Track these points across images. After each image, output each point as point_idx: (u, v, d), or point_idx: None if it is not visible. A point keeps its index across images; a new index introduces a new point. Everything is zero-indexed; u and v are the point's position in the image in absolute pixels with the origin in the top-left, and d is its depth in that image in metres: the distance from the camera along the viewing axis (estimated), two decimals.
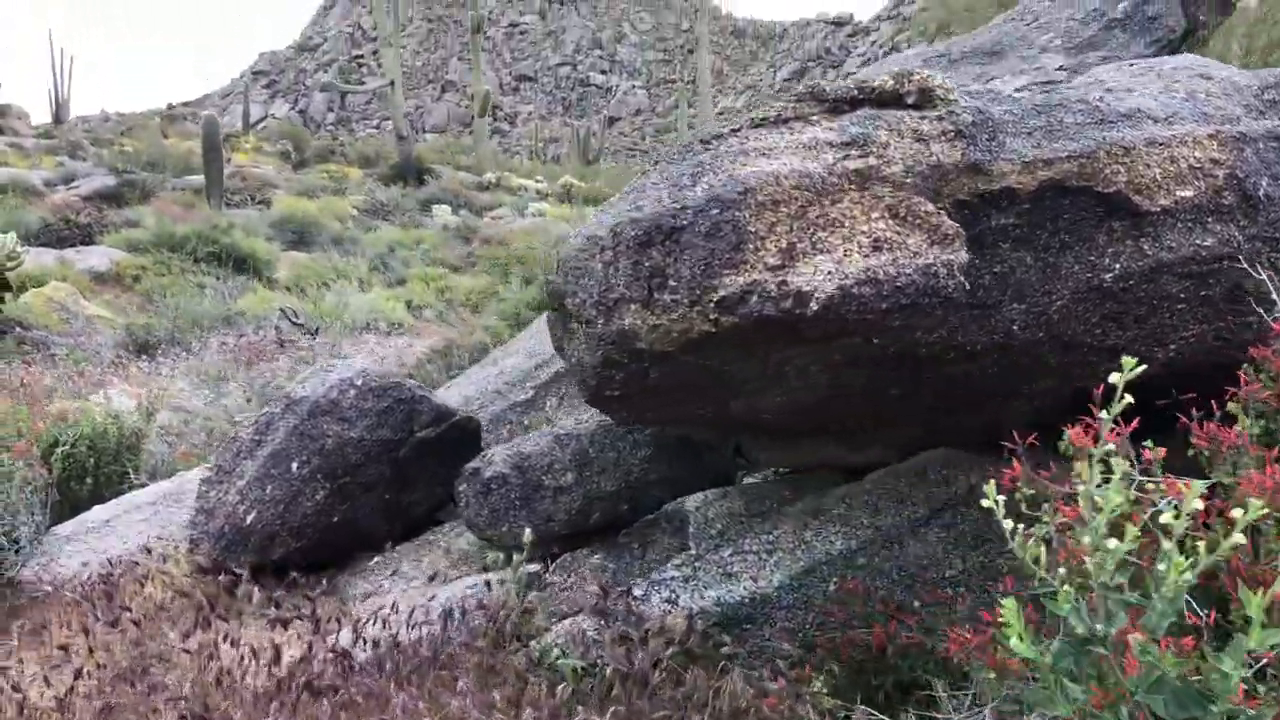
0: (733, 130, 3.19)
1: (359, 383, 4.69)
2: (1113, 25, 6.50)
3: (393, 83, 38.40)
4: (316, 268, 19.85)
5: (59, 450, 5.53)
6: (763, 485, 4.14)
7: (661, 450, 4.46)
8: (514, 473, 4.45)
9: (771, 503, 3.93)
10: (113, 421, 5.91)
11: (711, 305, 2.97)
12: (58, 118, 44.76)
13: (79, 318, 15.49)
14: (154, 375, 10.55)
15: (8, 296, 13.97)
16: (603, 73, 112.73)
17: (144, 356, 11.46)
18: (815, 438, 3.82)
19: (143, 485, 5.82)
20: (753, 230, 2.88)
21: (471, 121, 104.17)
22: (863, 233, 2.80)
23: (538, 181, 40.99)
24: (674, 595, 3.63)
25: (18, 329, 13.66)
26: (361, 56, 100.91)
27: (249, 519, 4.49)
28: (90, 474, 5.70)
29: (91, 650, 3.70)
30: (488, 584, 3.90)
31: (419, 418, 4.80)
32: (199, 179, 33.69)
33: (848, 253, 2.79)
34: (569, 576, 4.21)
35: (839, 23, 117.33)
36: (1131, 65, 4.03)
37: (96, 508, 5.50)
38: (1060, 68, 6.11)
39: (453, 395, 6.04)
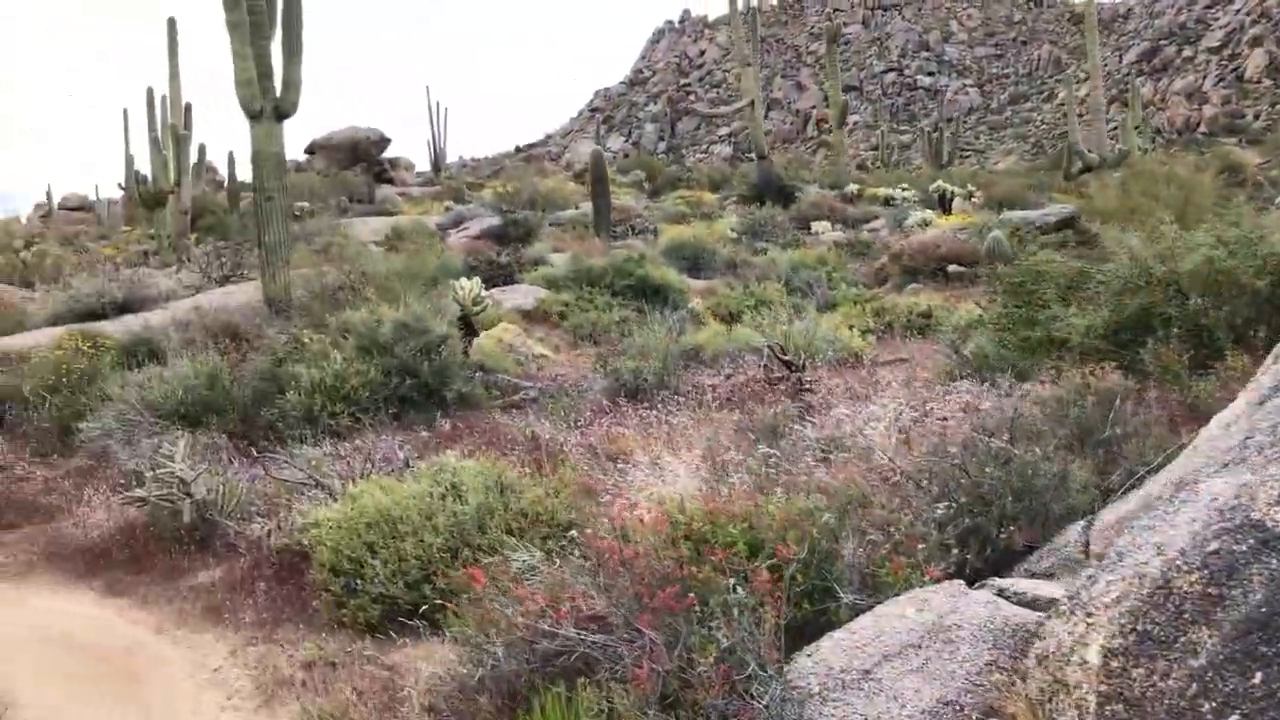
0: None
1: None
2: None
3: (752, 103, 37.53)
4: (733, 295, 18.78)
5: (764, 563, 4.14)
6: None
7: None
8: None
9: None
10: (807, 518, 4.47)
11: None
12: (436, 165, 47.76)
13: (529, 358, 15.12)
14: (658, 427, 9.42)
15: (473, 340, 13.69)
16: (930, 74, 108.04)
17: (639, 402, 10.44)
18: None
19: (854, 607, 4.34)
20: None
21: (796, 137, 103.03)
22: None
23: (903, 190, 38.58)
24: None
25: (480, 372, 13.29)
26: (689, 84, 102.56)
27: None
28: (801, 592, 4.27)
29: None
30: None
31: None
32: (570, 213, 34.37)
33: None
34: None
35: None
36: None
37: (826, 643, 4.05)
38: None
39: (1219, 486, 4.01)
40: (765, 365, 11.26)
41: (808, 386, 10.72)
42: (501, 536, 6.15)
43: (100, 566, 7.71)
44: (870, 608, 4.48)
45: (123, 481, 9.28)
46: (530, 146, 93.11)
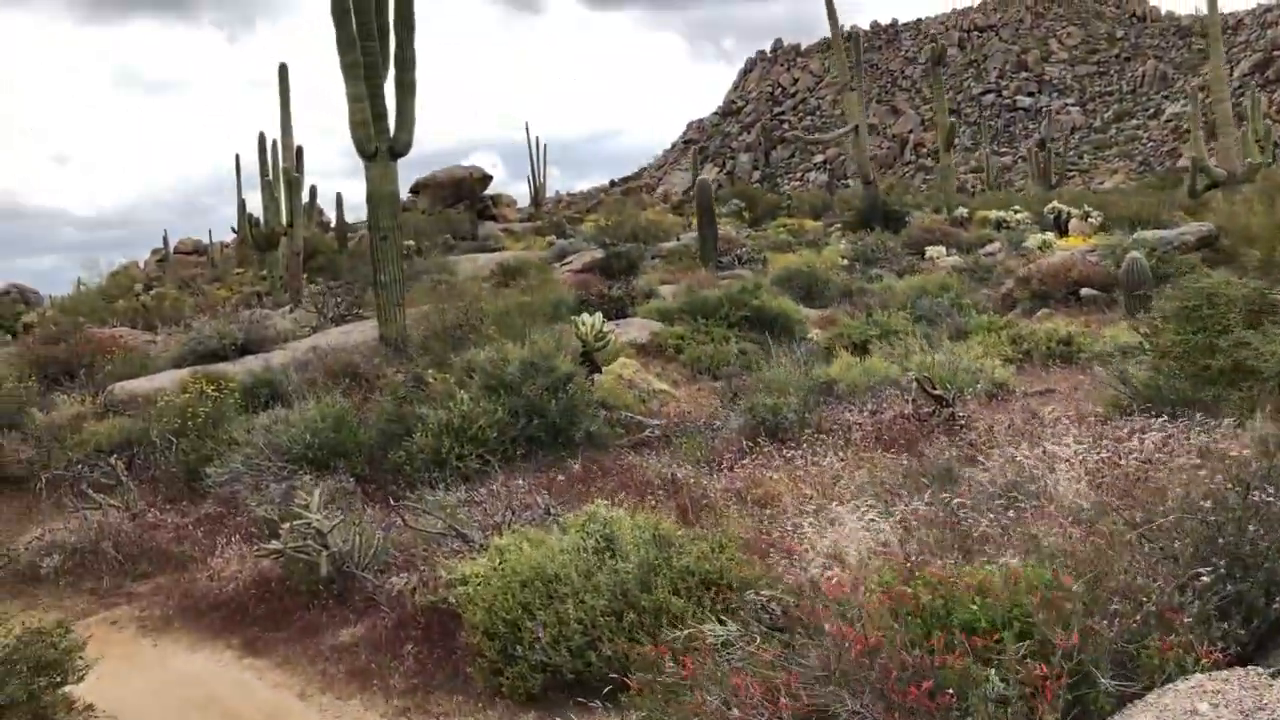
0: None
1: None
2: None
3: (856, 128, 36.71)
4: (855, 324, 18.03)
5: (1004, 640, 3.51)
6: None
7: None
8: None
9: None
10: (1056, 590, 3.83)
11: None
12: (536, 201, 47.98)
13: (650, 394, 14.63)
14: (805, 469, 8.81)
15: (595, 377, 13.27)
16: (1030, 95, 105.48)
17: (780, 442, 9.83)
18: None
19: (1117, 695, 3.70)
20: None
21: (895, 162, 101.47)
22: None
23: (1015, 212, 37.26)
24: None
25: (603, 411, 12.84)
26: (782, 113, 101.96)
27: None
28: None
29: None
30: None
31: None
32: (671, 244, 33.96)
33: None
34: None
35: None
36: None
37: None
38: None
39: None
40: (913, 400, 10.54)
41: (963, 423, 9.98)
42: (668, 598, 5.61)
43: (237, 622, 7.41)
44: (1135, 696, 3.81)
45: (254, 530, 9.03)
46: (625, 180, 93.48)
